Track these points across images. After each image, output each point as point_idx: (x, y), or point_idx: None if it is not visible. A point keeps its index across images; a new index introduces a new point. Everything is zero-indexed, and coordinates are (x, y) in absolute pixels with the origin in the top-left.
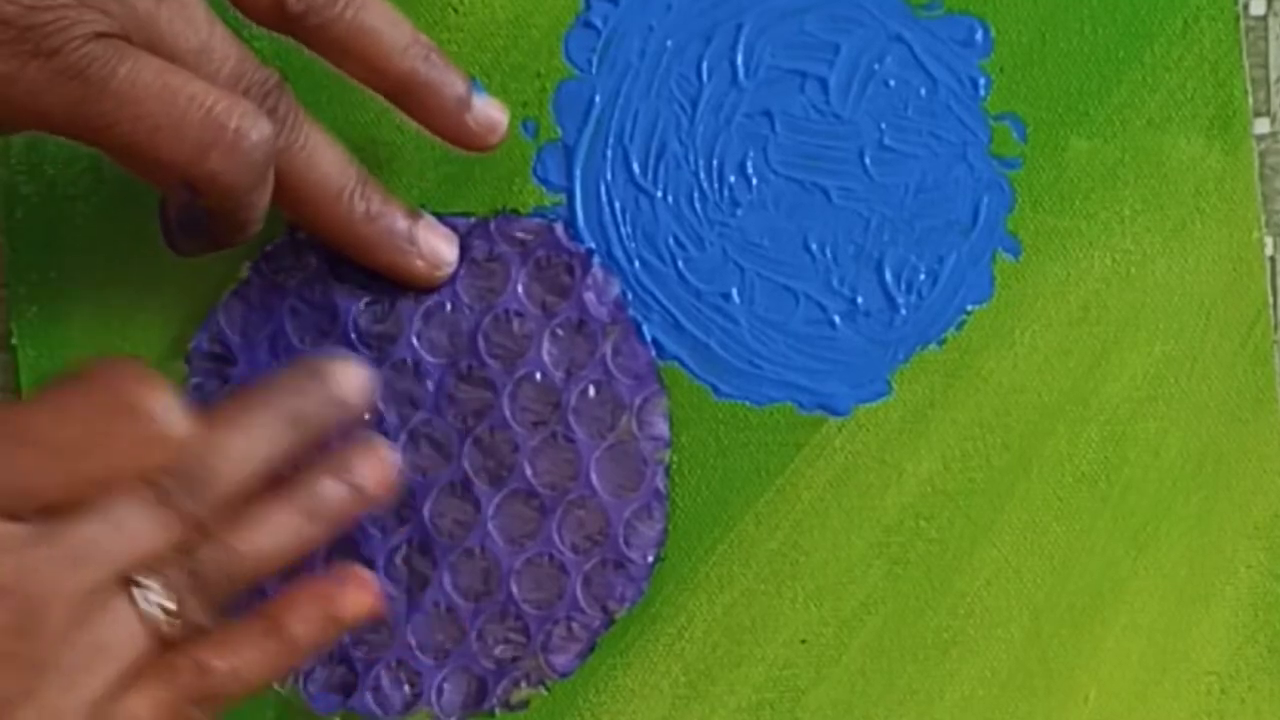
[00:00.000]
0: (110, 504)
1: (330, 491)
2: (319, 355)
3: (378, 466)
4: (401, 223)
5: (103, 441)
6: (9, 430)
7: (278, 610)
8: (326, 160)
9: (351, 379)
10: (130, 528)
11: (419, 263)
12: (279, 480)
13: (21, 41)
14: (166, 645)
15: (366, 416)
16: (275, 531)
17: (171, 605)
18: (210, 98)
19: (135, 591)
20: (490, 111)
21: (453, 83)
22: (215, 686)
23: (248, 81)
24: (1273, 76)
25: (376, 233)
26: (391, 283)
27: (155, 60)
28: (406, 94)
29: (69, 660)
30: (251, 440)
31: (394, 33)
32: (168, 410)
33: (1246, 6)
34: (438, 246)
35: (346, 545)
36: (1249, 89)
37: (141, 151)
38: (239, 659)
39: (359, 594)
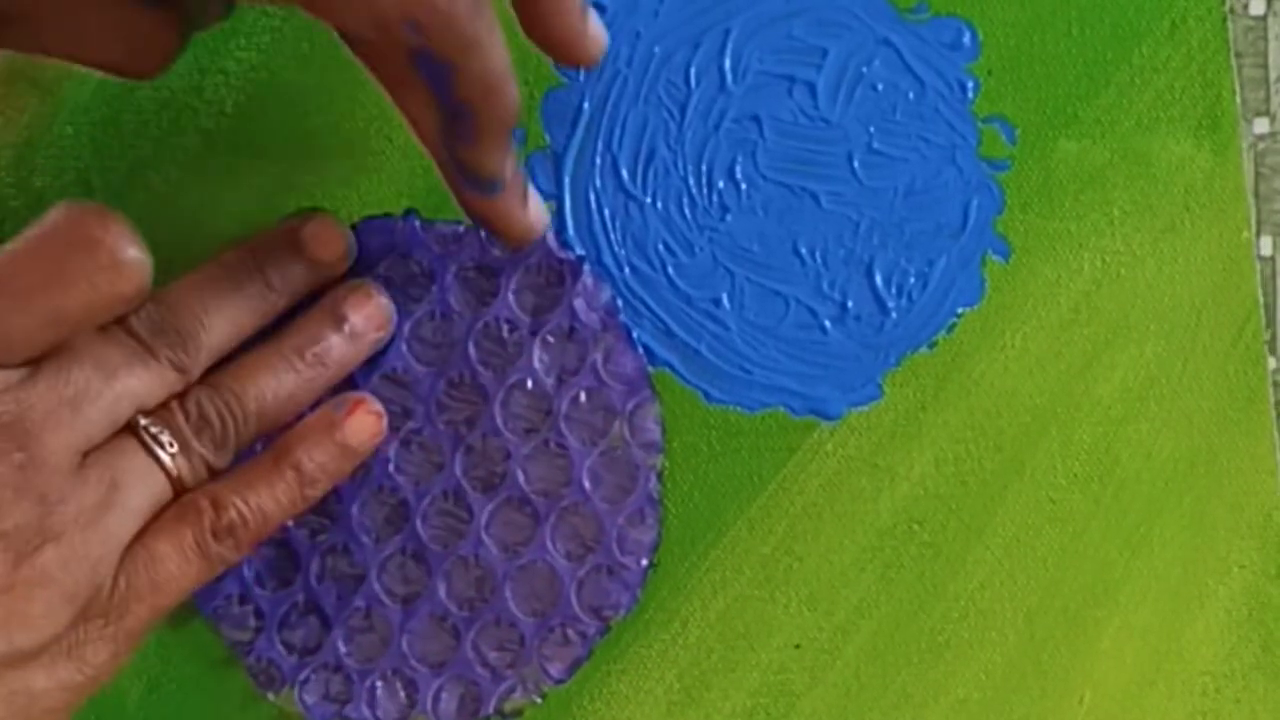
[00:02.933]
0: (95, 351)
1: (324, 332)
2: (296, 219)
3: (367, 306)
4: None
5: (68, 276)
6: None
7: (286, 442)
8: (501, 59)
9: (329, 243)
10: (121, 374)
11: (527, 212)
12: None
13: None
14: (182, 489)
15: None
16: (274, 372)
17: (176, 446)
18: None
19: (141, 434)
20: (601, 28)
21: None
22: (234, 521)
23: None
24: (1272, 76)
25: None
26: (388, 287)
27: None
28: None
29: (84, 497)
30: (232, 299)
31: None
32: (120, 237)
33: (1246, 6)
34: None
35: (340, 553)
36: (1238, 88)
37: None
38: (253, 492)
39: (363, 418)
